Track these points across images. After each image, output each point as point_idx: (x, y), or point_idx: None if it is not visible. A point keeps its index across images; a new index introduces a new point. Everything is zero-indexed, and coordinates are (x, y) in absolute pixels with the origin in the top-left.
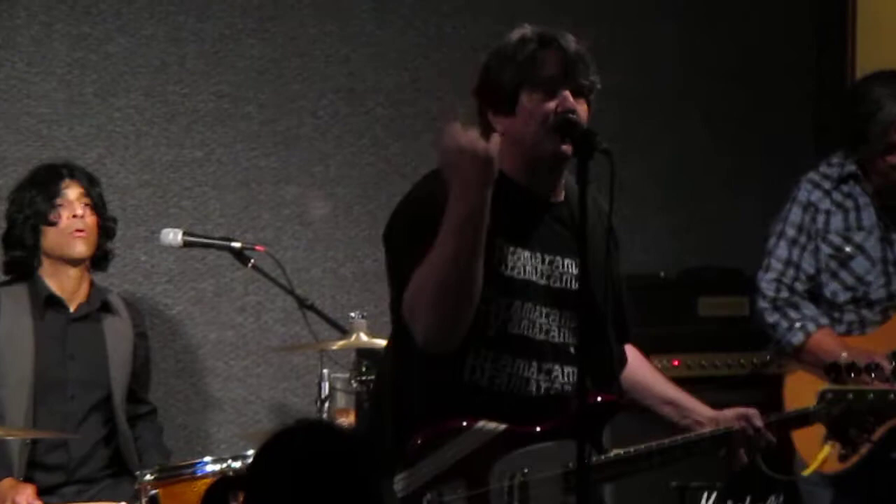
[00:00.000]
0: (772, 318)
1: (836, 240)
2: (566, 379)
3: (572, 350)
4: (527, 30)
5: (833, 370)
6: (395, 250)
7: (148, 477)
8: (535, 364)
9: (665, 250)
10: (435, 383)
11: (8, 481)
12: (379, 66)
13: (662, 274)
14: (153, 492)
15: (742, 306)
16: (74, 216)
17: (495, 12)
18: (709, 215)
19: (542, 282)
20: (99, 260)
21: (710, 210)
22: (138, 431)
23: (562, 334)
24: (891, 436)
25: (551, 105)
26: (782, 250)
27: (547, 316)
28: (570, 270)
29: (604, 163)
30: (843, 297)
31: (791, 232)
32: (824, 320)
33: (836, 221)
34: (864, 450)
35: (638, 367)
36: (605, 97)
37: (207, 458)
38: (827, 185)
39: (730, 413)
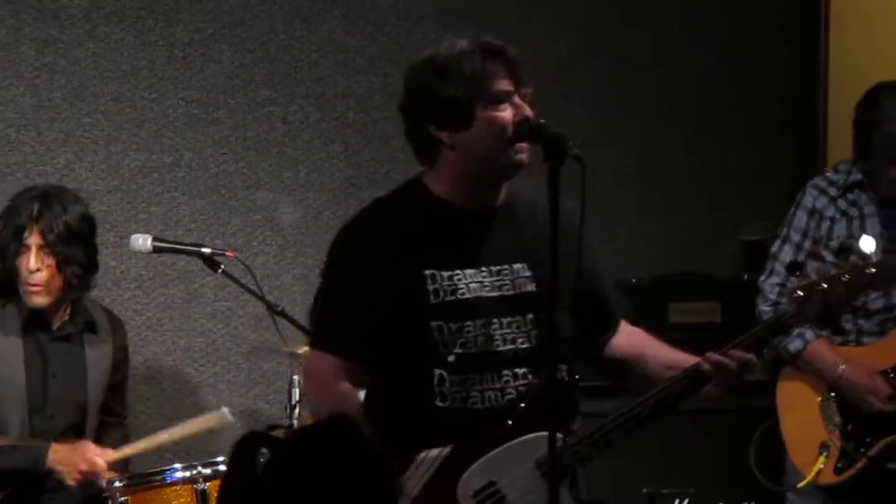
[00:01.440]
0: None
1: (839, 248)
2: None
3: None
4: (463, 42)
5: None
6: (324, 292)
7: (117, 483)
8: (507, 373)
9: (637, 257)
10: (410, 415)
11: (63, 446)
12: (349, 72)
13: (634, 280)
14: (122, 499)
15: (714, 312)
16: (30, 271)
17: (466, 18)
18: (681, 221)
19: (496, 293)
20: (75, 289)
21: (682, 216)
22: (103, 439)
23: (531, 337)
24: (888, 449)
25: (507, 114)
26: (786, 255)
27: (509, 325)
28: (522, 274)
29: (575, 169)
30: None
31: (796, 237)
32: (823, 330)
33: (840, 229)
34: (860, 463)
35: (637, 341)
36: (577, 103)
37: (177, 465)
38: (833, 191)
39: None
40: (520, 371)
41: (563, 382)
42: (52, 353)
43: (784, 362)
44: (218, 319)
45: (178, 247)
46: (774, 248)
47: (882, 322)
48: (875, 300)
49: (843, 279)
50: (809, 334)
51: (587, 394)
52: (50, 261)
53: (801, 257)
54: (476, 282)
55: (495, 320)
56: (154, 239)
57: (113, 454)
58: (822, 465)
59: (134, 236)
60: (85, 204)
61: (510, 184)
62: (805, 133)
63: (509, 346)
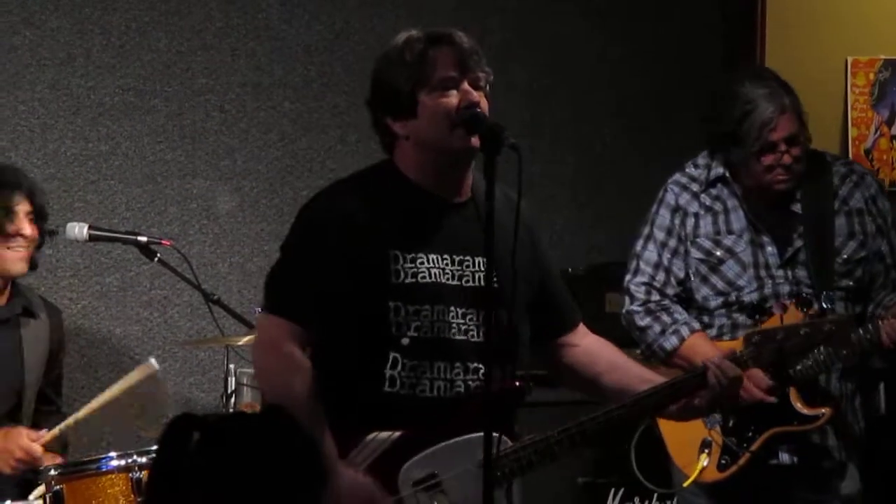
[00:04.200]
0: (643, 321)
1: (707, 244)
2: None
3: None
4: (412, 32)
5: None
6: (286, 261)
7: (52, 472)
8: (458, 365)
9: (572, 246)
10: (357, 397)
11: None
12: (286, 61)
13: (570, 270)
14: (57, 487)
15: None
16: (20, 235)
17: (402, 7)
18: (616, 211)
19: (454, 283)
20: (35, 265)
21: (618, 206)
22: (40, 427)
23: (482, 333)
24: (770, 443)
25: (453, 100)
26: (651, 253)
27: (464, 316)
28: (483, 268)
29: (512, 158)
30: (714, 302)
31: (660, 235)
32: (697, 325)
33: (706, 225)
34: (743, 458)
35: (610, 352)
36: (513, 92)
37: (112, 454)
38: (695, 187)
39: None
40: (471, 365)
41: (515, 388)
42: None
43: (658, 361)
44: (154, 308)
45: (114, 235)
46: (638, 248)
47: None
48: (750, 294)
49: (801, 332)
50: (685, 330)
51: (537, 382)
52: (33, 230)
53: (666, 255)
54: (438, 268)
55: (452, 309)
56: (90, 227)
57: (47, 435)
58: (704, 464)
59: (70, 224)
60: None
61: (478, 179)
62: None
63: (462, 337)
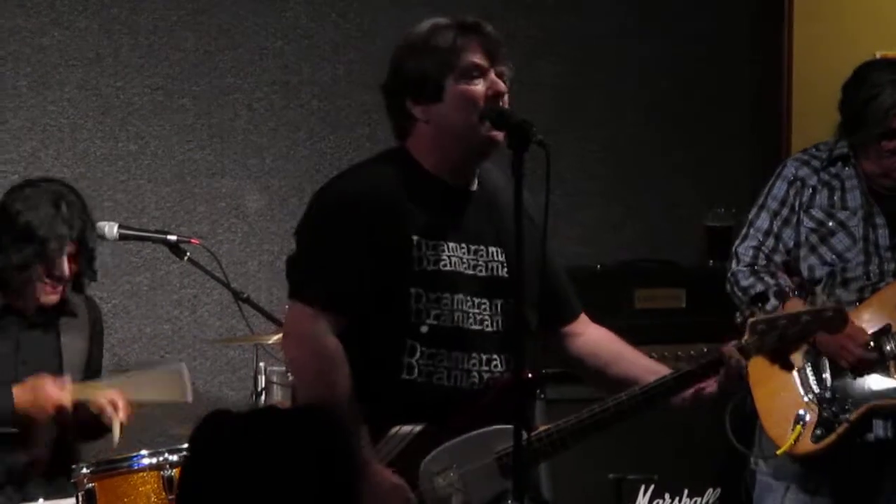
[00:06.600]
0: (746, 281)
1: (819, 214)
2: (505, 367)
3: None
4: (438, 19)
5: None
6: (312, 246)
7: (84, 470)
8: (475, 355)
9: (601, 243)
10: (374, 384)
11: (24, 385)
12: (313, 59)
13: (599, 267)
14: (89, 485)
15: (678, 298)
16: (59, 276)
17: (431, 4)
18: (645, 208)
19: (470, 272)
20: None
21: (647, 202)
22: None
23: (495, 323)
24: (867, 417)
25: (481, 88)
26: (763, 221)
27: (479, 306)
28: (497, 258)
29: (539, 154)
30: (819, 272)
31: (774, 205)
32: (799, 292)
33: (822, 198)
34: (841, 428)
35: (614, 343)
36: (541, 88)
37: (144, 452)
38: (816, 163)
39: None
40: (484, 356)
41: (530, 379)
42: (25, 340)
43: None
44: (184, 307)
45: (143, 234)
46: (751, 215)
47: (860, 290)
48: (855, 268)
49: (802, 320)
50: (788, 293)
51: (555, 380)
52: (74, 269)
53: (776, 224)
54: (456, 256)
55: (469, 298)
56: (120, 226)
57: (72, 389)
58: (798, 434)
59: (100, 224)
60: None
61: (483, 170)
62: (769, 120)
63: (477, 327)
